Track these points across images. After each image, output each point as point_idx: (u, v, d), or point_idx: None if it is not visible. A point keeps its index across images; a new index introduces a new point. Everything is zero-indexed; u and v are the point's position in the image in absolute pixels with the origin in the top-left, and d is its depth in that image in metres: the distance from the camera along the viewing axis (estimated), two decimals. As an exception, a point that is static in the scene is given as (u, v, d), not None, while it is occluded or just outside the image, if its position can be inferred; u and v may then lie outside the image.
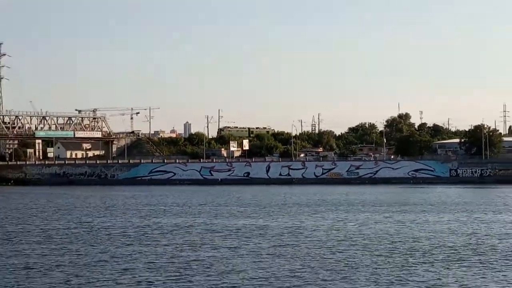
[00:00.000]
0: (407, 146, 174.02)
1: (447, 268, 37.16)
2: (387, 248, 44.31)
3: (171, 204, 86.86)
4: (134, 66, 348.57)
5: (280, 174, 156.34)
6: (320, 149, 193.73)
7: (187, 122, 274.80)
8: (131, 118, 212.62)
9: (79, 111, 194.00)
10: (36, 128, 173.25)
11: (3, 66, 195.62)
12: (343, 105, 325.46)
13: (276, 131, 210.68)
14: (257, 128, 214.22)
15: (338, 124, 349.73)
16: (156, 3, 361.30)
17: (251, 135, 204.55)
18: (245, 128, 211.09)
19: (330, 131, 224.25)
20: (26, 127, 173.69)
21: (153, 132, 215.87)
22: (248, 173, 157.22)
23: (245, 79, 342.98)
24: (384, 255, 41.37)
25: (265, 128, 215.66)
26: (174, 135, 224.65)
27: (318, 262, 38.98)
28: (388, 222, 60.91)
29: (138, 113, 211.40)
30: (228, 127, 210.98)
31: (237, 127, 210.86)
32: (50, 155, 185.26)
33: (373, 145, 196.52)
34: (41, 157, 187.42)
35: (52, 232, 55.29)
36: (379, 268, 37.31)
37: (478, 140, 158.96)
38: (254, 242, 47.54)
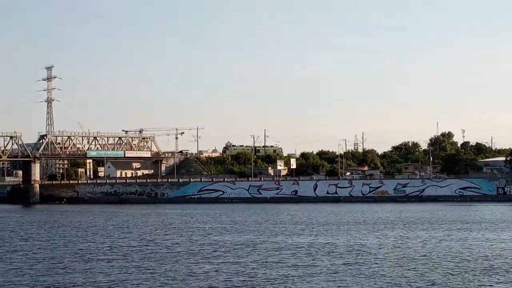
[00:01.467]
0: (453, 164, 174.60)
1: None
2: (459, 266, 44.80)
3: (229, 222, 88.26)
4: (178, 87, 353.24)
5: (328, 192, 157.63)
6: (366, 168, 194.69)
7: (229, 142, 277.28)
8: (176, 138, 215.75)
9: (126, 132, 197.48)
10: (88, 148, 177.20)
11: (54, 89, 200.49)
12: (383, 123, 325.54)
13: (321, 150, 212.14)
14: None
15: (378, 143, 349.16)
16: (196, 29, 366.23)
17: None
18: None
19: (373, 149, 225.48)
20: (77, 147, 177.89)
21: (196, 152, 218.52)
22: (296, 191, 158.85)
23: (287, 100, 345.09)
24: (457, 274, 41.91)
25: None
26: (218, 154, 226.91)
27: (394, 281, 39.61)
28: (452, 240, 61.31)
29: (183, 133, 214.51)
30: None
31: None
32: (101, 174, 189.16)
33: (419, 164, 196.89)
34: (91, 176, 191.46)
35: (119, 250, 56.57)
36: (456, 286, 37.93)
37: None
38: (325, 260, 48.29)
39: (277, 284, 38.95)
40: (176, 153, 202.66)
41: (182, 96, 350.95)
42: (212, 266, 46.08)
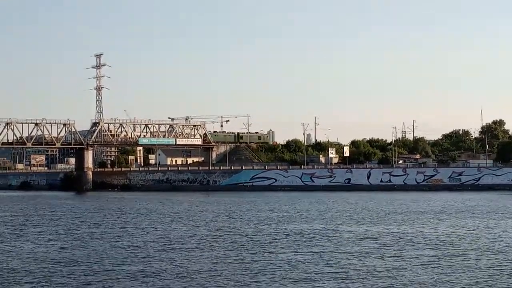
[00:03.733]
0: (508, 152, 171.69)
1: None
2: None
3: (292, 210, 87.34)
4: (224, 75, 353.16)
5: (381, 181, 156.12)
6: (418, 156, 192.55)
7: (271, 129, 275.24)
8: (221, 126, 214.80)
9: (172, 119, 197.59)
10: (140, 136, 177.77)
11: (103, 76, 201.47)
12: (425, 112, 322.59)
13: (372, 138, 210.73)
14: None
15: (424, 131, 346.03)
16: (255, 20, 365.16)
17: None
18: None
19: (423, 137, 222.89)
20: (129, 135, 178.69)
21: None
22: (349, 180, 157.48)
23: (336, 88, 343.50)
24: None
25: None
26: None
27: (491, 272, 38.02)
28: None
29: (228, 120, 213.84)
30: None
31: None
32: (152, 161, 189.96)
33: (472, 152, 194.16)
34: (142, 164, 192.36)
35: (195, 238, 55.51)
36: None
37: None
38: (409, 250, 47.01)
39: (370, 278, 37.44)
40: (229, 139, 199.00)
41: (227, 83, 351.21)
42: (298, 256, 44.73)
